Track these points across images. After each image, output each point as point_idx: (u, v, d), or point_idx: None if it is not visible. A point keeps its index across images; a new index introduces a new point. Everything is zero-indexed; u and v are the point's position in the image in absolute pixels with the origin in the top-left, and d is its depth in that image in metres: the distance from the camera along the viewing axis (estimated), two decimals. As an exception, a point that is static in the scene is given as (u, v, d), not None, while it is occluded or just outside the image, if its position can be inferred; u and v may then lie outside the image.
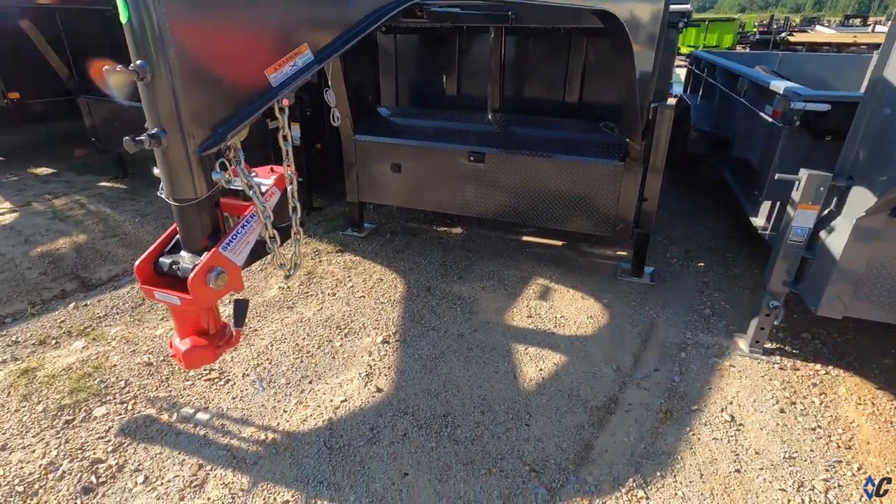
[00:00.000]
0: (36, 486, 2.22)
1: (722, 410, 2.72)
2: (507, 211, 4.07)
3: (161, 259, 1.40)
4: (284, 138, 1.43)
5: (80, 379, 2.87)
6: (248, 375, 2.94)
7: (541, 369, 3.02)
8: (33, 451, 2.40)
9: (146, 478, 2.28)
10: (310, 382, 2.90)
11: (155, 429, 2.55)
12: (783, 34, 22.27)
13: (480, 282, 4.01)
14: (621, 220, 3.77)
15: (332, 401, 2.76)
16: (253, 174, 1.66)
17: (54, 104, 6.52)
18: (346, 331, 3.38)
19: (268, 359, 3.09)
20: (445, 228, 5.01)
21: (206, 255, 1.31)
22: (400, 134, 4.25)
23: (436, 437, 2.52)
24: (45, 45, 5.37)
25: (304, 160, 4.77)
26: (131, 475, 2.29)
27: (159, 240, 1.41)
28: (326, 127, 4.85)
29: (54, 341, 3.24)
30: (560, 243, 4.69)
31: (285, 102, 1.39)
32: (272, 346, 3.21)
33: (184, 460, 2.37)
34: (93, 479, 2.27)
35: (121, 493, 2.20)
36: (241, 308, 1.50)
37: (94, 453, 2.40)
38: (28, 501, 2.16)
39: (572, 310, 3.65)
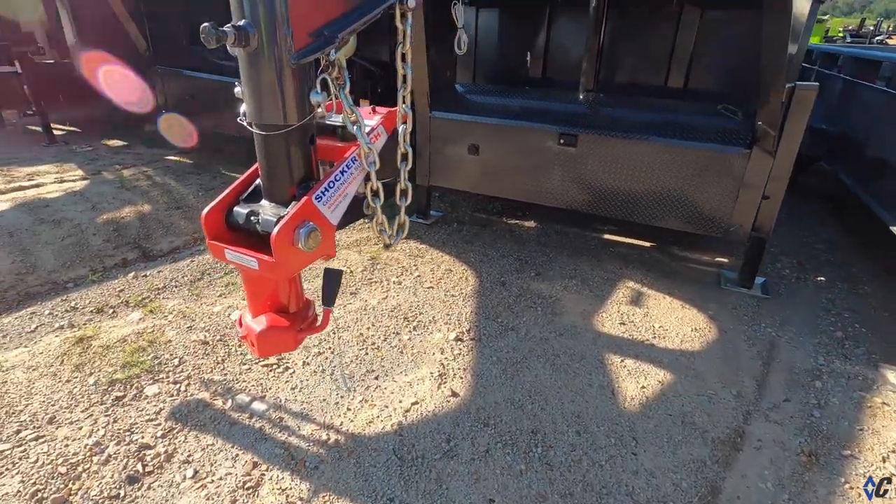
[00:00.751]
0: (79, 469, 1.99)
1: (884, 460, 2.17)
2: (598, 203, 3.61)
3: (236, 208, 1.07)
4: (403, 58, 1.06)
5: (133, 353, 2.67)
6: (308, 364, 2.64)
7: (643, 387, 2.56)
8: (80, 428, 2.19)
9: (196, 472, 2.00)
10: (376, 378, 2.57)
11: (208, 415, 2.29)
12: (880, 37, 20.39)
13: (561, 280, 3.57)
14: (737, 220, 3.23)
15: (401, 402, 2.41)
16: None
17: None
18: (414, 323, 3.04)
19: (329, 347, 2.79)
20: (517, 221, 4.60)
21: (294, 206, 0.97)
22: (480, 112, 3.86)
23: (525, 458, 2.12)
24: (125, 14, 5.35)
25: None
26: (180, 467, 2.03)
27: (235, 183, 1.08)
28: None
29: (112, 310, 3.07)
30: (647, 244, 4.17)
31: (411, 5, 1.04)
32: (334, 333, 2.91)
33: (237, 455, 2.09)
34: (139, 467, 2.01)
35: (168, 488, 1.93)
36: (333, 280, 1.15)
37: (143, 437, 2.16)
38: (70, 485, 1.93)
39: (672, 320, 3.14)
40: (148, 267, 3.61)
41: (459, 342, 2.87)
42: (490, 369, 2.66)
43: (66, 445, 2.10)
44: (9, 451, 2.06)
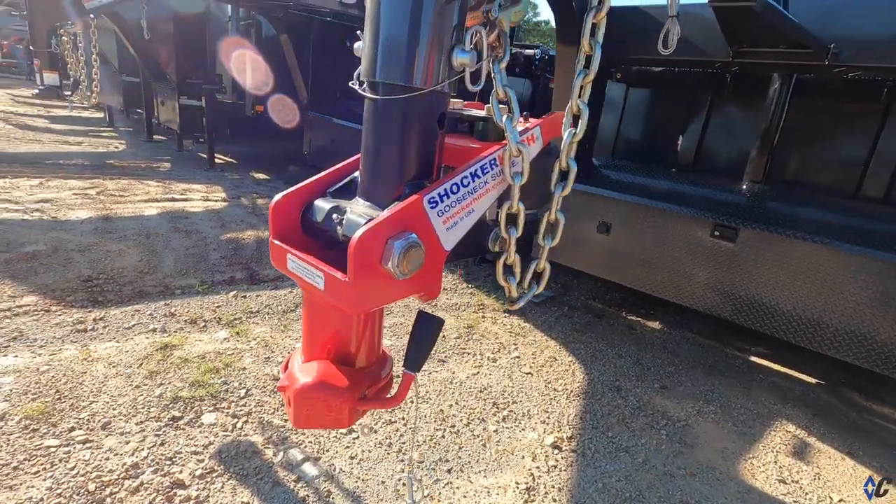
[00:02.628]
0: (106, 493, 1.76)
1: None
2: (754, 314, 2.90)
3: (318, 202, 0.77)
4: (593, 31, 0.74)
5: (206, 372, 2.51)
6: (375, 432, 2.26)
7: (820, 590, 1.76)
8: (127, 443, 2.00)
9: (219, 534, 1.67)
10: (448, 471, 2.09)
11: (253, 465, 1.98)
12: None
13: (694, 402, 2.85)
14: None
15: (473, 512, 1.90)
16: None
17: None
18: (504, 413, 2.54)
19: (403, 418, 2.39)
20: (638, 318, 3.95)
21: (395, 206, 0.65)
22: (617, 188, 3.45)
23: None
24: (294, 62, 5.97)
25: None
26: (205, 522, 1.71)
27: (325, 172, 0.80)
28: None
29: (203, 324, 3.02)
30: (813, 380, 3.27)
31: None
32: (412, 401, 2.52)
33: (269, 527, 1.72)
34: (164, 508, 1.73)
35: (183, 546, 1.61)
36: (427, 333, 0.78)
37: (181, 472, 1.89)
38: (91, 508, 1.69)
39: (859, 494, 2.26)
40: (250, 289, 3.60)
41: (557, 450, 2.30)
42: (593, 498, 2.05)
43: (107, 458, 1.91)
44: (54, 450, 1.91)
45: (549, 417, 2.54)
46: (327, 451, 2.11)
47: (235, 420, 2.22)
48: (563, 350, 3.27)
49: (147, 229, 4.38)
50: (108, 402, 2.21)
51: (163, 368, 2.51)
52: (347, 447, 2.15)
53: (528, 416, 2.53)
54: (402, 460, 2.11)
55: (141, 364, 2.53)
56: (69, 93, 9.90)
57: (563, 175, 0.84)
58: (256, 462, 2.00)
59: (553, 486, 2.08)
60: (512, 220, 0.80)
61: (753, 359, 3.49)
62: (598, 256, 3.51)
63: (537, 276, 0.88)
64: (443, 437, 2.29)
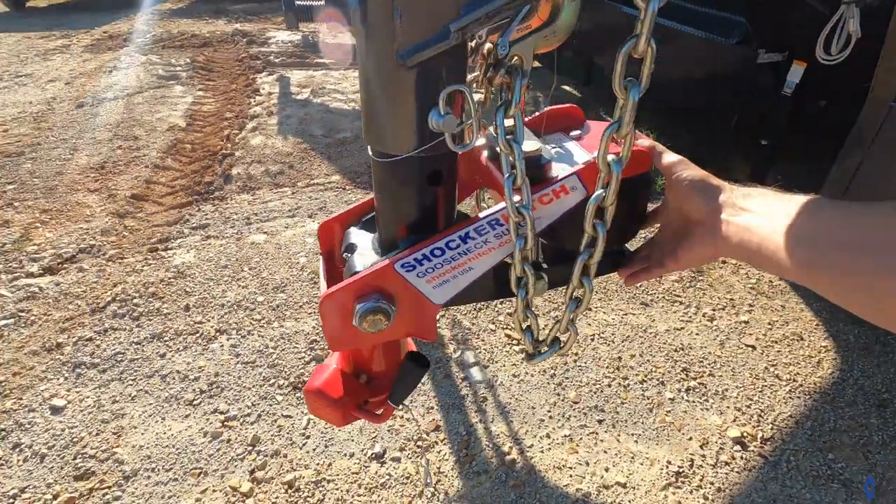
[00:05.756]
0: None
1: None
2: None
3: (351, 229, 0.85)
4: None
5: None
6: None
7: None
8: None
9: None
10: (599, 421, 2.10)
11: (435, 356, 2.40)
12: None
13: None
14: None
15: None
16: (560, 141, 0.84)
17: None
18: (692, 383, 2.28)
19: (575, 354, 2.42)
20: None
21: (366, 270, 0.68)
22: None
23: None
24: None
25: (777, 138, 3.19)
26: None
27: (367, 199, 0.85)
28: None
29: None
30: None
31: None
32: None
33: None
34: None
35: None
36: (409, 375, 0.84)
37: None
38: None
39: None
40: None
41: (739, 447, 2.00)
42: (758, 517, 1.76)
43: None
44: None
45: (748, 407, 2.16)
46: (496, 362, 2.38)
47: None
48: (819, 330, 2.56)
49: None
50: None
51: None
52: (514, 364, 2.36)
53: (721, 397, 2.20)
54: (559, 394, 2.21)
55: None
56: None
57: (591, 241, 0.66)
58: (438, 353, 2.42)
59: (711, 484, 1.87)
60: (518, 282, 0.70)
61: None
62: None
63: (555, 341, 0.76)
64: (608, 385, 2.26)
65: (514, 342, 2.46)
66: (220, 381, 2.24)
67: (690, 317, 2.65)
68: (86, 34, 7.06)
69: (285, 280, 2.83)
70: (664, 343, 2.48)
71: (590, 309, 2.65)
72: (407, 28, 0.54)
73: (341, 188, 3.85)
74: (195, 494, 1.82)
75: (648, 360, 2.38)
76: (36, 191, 3.54)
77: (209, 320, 2.55)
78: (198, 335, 2.46)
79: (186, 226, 3.26)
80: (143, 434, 2.02)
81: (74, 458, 1.92)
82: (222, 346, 2.41)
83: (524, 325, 0.75)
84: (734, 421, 2.10)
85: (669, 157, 0.72)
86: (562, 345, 0.76)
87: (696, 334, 2.54)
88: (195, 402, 2.14)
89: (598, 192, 0.62)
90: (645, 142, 0.73)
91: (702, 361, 2.38)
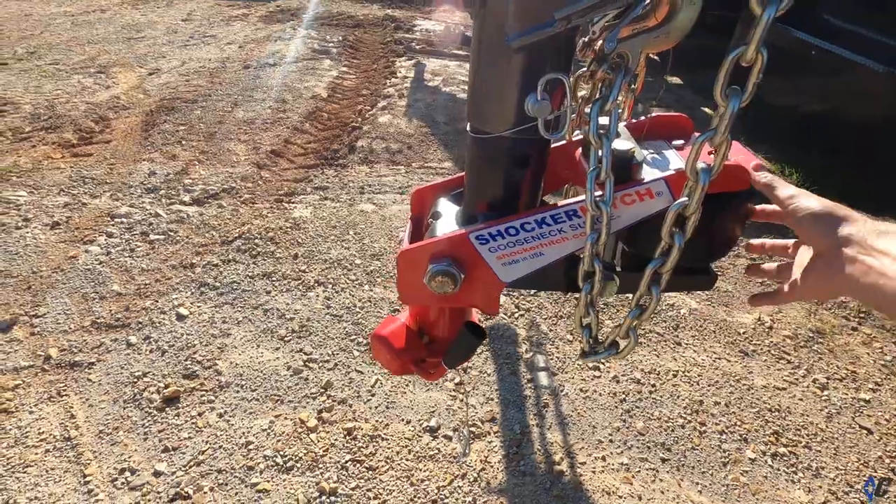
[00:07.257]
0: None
1: None
2: None
3: (441, 199, 0.90)
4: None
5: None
6: (618, 381, 2.30)
7: None
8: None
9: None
10: (662, 460, 1.98)
11: (506, 351, 2.42)
12: None
13: None
14: None
15: None
16: (659, 148, 0.81)
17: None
18: (781, 449, 2.05)
19: (651, 384, 2.29)
20: None
21: (446, 235, 0.73)
22: None
23: None
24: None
25: None
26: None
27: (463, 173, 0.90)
28: None
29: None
30: None
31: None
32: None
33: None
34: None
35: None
36: (465, 341, 0.87)
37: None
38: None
39: None
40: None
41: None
42: None
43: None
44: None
45: (845, 494, 1.89)
46: (566, 372, 2.33)
47: (518, 311, 2.69)
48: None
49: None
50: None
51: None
52: (583, 380, 2.30)
53: (815, 474, 1.95)
54: (625, 420, 2.12)
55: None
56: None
57: (666, 249, 0.64)
58: (510, 349, 2.44)
59: None
60: (588, 276, 0.71)
61: None
62: None
63: (618, 338, 0.75)
64: (682, 426, 2.11)
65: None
66: (310, 326, 2.47)
67: (797, 379, 2.37)
68: (263, 6, 7.99)
69: (383, 249, 3.01)
70: (757, 399, 2.25)
71: (678, 344, 2.49)
72: (516, 12, 0.58)
73: (451, 174, 3.98)
74: (270, 417, 2.06)
75: (734, 413, 2.18)
76: (200, 134, 4.13)
77: (311, 271, 2.81)
78: (300, 282, 2.73)
79: (309, 185, 3.60)
80: (240, 354, 2.31)
81: (186, 360, 2.26)
82: (318, 295, 2.66)
83: (584, 322, 0.76)
84: (825, 501, 1.85)
85: (787, 189, 0.67)
86: (619, 349, 0.76)
87: (800, 399, 2.27)
88: (286, 339, 2.40)
89: (682, 199, 0.61)
90: (765, 176, 0.69)
91: (800, 430, 2.12)
